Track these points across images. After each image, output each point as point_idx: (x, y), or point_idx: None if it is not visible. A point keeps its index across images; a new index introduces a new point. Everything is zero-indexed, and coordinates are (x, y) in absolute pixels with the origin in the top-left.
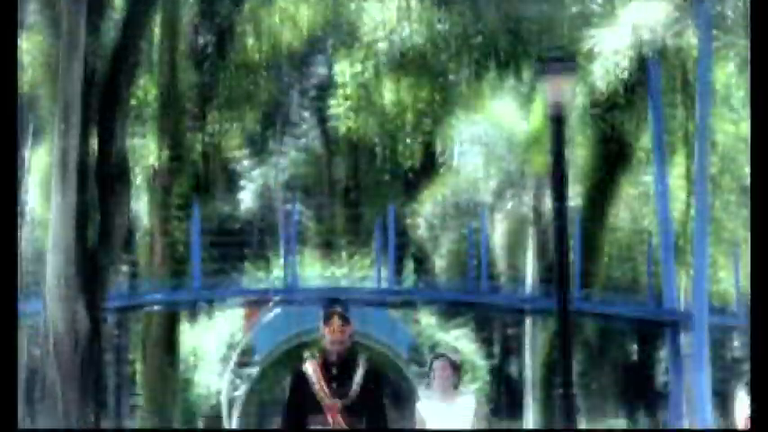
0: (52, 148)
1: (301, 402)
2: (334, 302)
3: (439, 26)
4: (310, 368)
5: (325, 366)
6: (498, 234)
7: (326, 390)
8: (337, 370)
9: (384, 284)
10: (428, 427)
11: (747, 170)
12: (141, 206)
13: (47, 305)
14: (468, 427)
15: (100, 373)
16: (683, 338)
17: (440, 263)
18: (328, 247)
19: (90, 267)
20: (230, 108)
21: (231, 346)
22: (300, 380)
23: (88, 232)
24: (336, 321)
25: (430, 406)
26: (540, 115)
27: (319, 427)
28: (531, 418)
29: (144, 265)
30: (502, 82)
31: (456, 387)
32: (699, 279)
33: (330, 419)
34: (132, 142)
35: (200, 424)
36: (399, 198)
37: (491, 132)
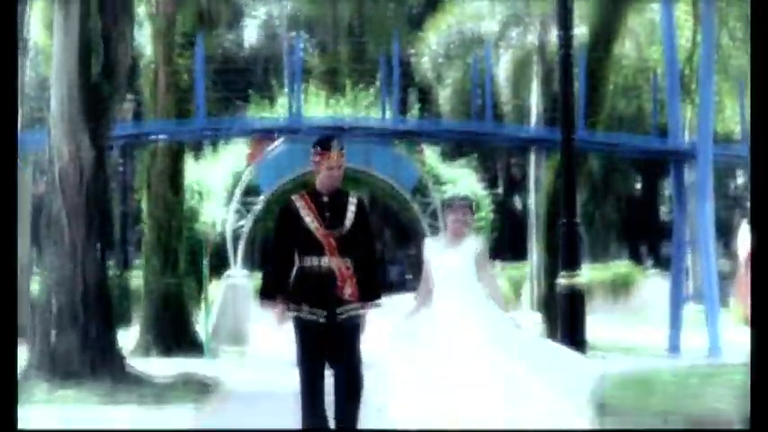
0: None
1: (292, 237)
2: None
3: None
4: (300, 202)
5: (315, 199)
6: (503, 66)
7: (318, 221)
8: (329, 201)
9: (388, 117)
10: (432, 266)
11: None
12: (144, 38)
13: (51, 135)
14: (470, 267)
15: (105, 204)
16: (687, 171)
17: (444, 94)
18: (332, 79)
19: (93, 97)
20: None
21: (236, 178)
22: (290, 214)
23: (91, 62)
24: (337, 146)
25: (436, 246)
26: None
27: (316, 261)
28: (534, 251)
29: (148, 96)
30: None
31: (469, 228)
32: (704, 111)
33: (327, 250)
34: None
35: (207, 253)
36: (404, 29)
37: None
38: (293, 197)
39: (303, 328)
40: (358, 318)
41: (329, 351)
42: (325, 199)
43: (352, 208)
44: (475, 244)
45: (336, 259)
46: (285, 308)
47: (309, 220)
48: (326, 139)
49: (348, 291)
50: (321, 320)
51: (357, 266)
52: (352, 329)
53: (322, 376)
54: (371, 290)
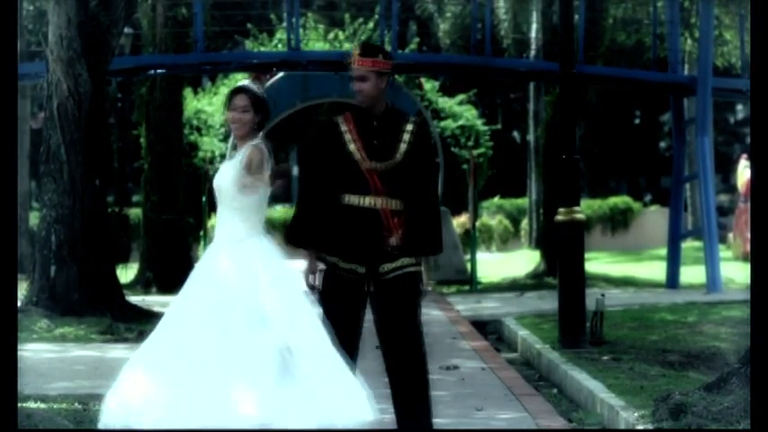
0: None
1: (331, 167)
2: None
3: None
4: (345, 124)
5: (362, 121)
6: None
7: (363, 150)
8: (378, 124)
9: (387, 48)
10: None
11: None
12: None
13: (49, 69)
14: (229, 192)
15: (104, 139)
16: (687, 105)
17: (443, 26)
18: (332, 10)
19: (92, 29)
20: None
21: None
22: (331, 137)
23: None
24: (357, 48)
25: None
26: None
27: (356, 200)
28: (533, 182)
29: (146, 29)
30: None
31: (258, 127)
32: (704, 44)
33: (371, 187)
34: None
35: (206, 188)
36: None
37: None
38: (337, 117)
39: (334, 287)
40: (412, 278)
41: (376, 324)
42: (375, 122)
43: (406, 136)
44: (246, 151)
45: (383, 199)
46: (316, 258)
47: (354, 148)
48: (359, 44)
49: (394, 241)
50: (360, 278)
51: (410, 210)
52: (402, 293)
53: (351, 354)
54: (428, 240)
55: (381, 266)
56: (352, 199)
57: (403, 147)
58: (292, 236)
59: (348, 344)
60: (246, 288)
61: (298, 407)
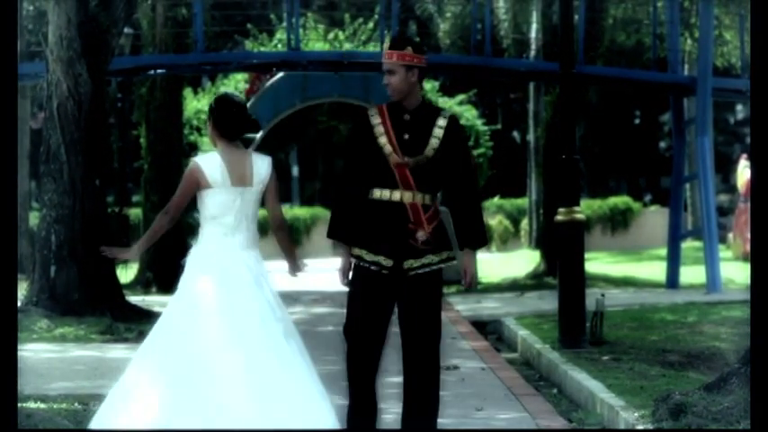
0: None
1: (363, 160)
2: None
3: None
4: (377, 118)
5: (395, 115)
6: None
7: (395, 143)
8: (411, 119)
9: None
10: None
11: None
12: None
13: (49, 69)
14: None
15: (104, 139)
16: (687, 103)
17: (443, 26)
18: (332, 10)
19: (92, 29)
20: None
21: None
22: (363, 131)
23: None
24: (387, 42)
25: None
26: None
27: (386, 194)
28: (533, 182)
29: (146, 29)
30: None
31: (222, 134)
32: (704, 42)
33: (399, 181)
34: None
35: None
36: None
37: None
38: (370, 110)
39: (361, 281)
40: (436, 277)
41: (401, 321)
42: (407, 116)
43: (438, 131)
44: None
45: (412, 194)
46: (350, 253)
47: (384, 141)
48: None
49: (422, 236)
50: (384, 272)
51: (452, 205)
52: (424, 293)
53: (374, 350)
54: (473, 234)
55: (406, 262)
56: (382, 193)
57: (434, 142)
58: (332, 231)
59: (372, 342)
60: (192, 295)
61: (238, 409)
